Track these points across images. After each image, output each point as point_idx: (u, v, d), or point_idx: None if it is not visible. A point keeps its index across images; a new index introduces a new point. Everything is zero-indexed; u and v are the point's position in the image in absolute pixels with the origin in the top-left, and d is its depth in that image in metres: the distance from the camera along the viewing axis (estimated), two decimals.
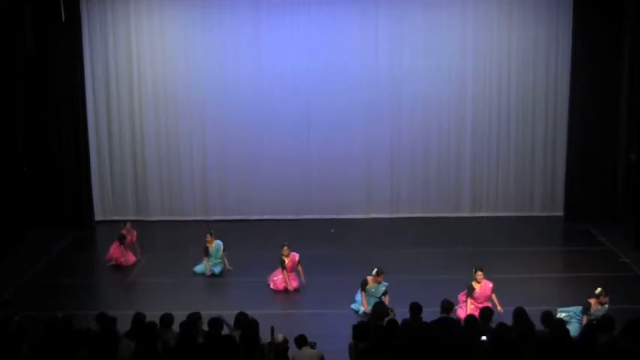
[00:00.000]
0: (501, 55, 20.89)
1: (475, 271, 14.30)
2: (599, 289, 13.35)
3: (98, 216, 21.25)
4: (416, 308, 11.60)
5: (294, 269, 16.25)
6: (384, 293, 14.71)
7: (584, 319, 13.11)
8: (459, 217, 21.26)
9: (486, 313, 11.73)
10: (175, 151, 21.37)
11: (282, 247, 16.29)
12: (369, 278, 14.83)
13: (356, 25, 20.77)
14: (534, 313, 11.15)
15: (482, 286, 14.24)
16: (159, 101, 21.15)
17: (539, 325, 11.24)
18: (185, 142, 21.31)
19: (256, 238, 19.37)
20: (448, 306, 12.03)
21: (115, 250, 17.90)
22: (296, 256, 16.27)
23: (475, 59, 20.89)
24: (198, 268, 17.22)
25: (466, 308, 14.05)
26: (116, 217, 20.69)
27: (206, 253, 17.17)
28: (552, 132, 21.11)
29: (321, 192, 21.27)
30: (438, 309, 11.85)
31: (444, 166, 21.36)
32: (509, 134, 21.22)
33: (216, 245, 17.21)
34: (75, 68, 20.30)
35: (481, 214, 21.35)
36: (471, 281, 14.31)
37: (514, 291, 14.68)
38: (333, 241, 19.19)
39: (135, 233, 18.33)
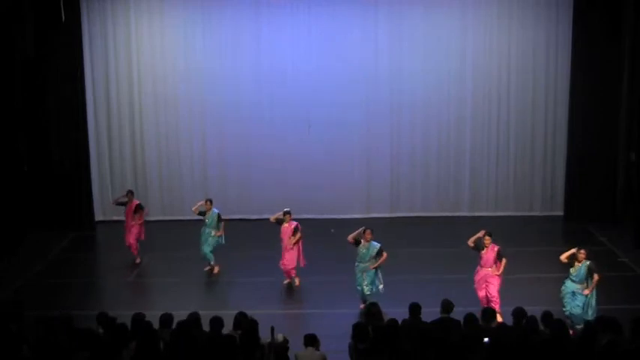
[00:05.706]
0: (501, 55, 20.90)
1: (484, 236, 14.48)
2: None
3: (98, 216, 21.29)
4: (416, 308, 11.59)
5: (290, 238, 16.32)
6: (378, 253, 14.80)
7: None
8: (458, 216, 21.27)
9: (489, 312, 11.72)
10: (175, 151, 21.39)
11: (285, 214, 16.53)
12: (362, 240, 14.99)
13: (356, 24, 20.80)
14: (534, 313, 11.12)
15: (488, 250, 14.44)
16: (159, 101, 21.18)
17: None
18: (185, 141, 21.34)
19: (256, 237, 19.34)
20: (448, 306, 12.00)
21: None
22: (292, 224, 16.40)
23: (475, 59, 20.91)
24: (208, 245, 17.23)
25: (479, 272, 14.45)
26: (116, 217, 20.66)
27: (201, 214, 17.30)
28: (552, 132, 21.13)
29: (321, 192, 21.27)
30: (438, 309, 11.84)
31: (444, 165, 21.38)
32: (509, 134, 21.24)
33: (212, 213, 17.25)
34: (75, 68, 20.31)
35: (481, 214, 21.35)
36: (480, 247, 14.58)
37: (514, 291, 14.66)
38: (333, 241, 19.15)
39: (134, 206, 18.14)
